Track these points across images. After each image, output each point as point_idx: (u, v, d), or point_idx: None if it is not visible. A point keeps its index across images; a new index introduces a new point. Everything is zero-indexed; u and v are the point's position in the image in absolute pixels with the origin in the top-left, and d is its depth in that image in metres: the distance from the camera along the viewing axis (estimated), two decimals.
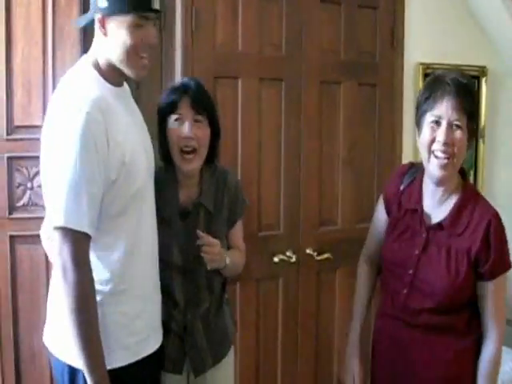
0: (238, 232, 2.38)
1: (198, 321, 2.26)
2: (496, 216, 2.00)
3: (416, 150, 3.49)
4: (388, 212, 2.22)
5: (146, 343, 2.02)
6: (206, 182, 2.25)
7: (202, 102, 2.16)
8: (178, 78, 2.85)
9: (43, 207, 2.43)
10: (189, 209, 2.24)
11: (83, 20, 1.97)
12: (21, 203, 2.58)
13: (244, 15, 3.01)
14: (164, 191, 2.21)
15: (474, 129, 2.03)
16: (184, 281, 2.24)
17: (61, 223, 1.76)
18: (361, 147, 3.38)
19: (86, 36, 2.51)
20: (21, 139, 2.53)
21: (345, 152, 3.34)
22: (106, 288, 1.90)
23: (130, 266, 1.94)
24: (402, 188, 2.17)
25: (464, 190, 2.05)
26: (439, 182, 2.05)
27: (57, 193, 1.78)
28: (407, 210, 2.12)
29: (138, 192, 1.93)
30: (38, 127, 2.44)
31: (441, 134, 1.96)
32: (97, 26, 1.87)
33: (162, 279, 2.19)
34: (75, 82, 1.88)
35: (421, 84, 3.47)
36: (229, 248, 2.34)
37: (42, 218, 2.19)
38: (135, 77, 1.97)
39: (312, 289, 3.27)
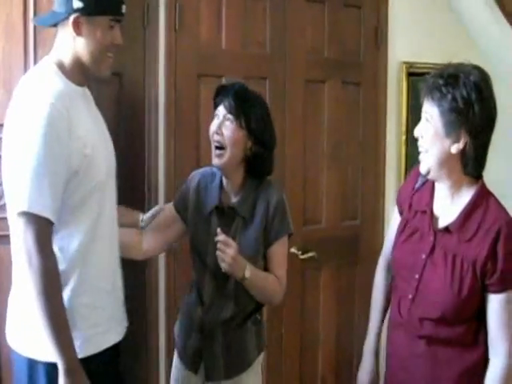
0: (274, 256, 2.29)
1: (218, 327, 2.27)
2: (508, 223, 1.87)
3: (399, 149, 3.52)
4: (401, 213, 2.17)
5: (107, 336, 2.05)
6: (246, 192, 2.27)
7: (235, 103, 2.19)
8: (162, 76, 2.84)
9: None
10: (225, 210, 2.27)
11: (50, 19, 2.00)
12: (2, 202, 2.54)
13: (228, 13, 3.00)
14: (210, 187, 2.32)
15: (459, 124, 1.85)
16: (214, 285, 2.28)
17: (24, 208, 1.80)
18: (345, 145, 3.39)
19: None
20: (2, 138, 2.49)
21: (329, 150, 3.34)
22: (66, 279, 1.93)
23: (89, 258, 1.98)
24: (415, 189, 2.11)
25: (476, 193, 1.93)
26: (429, 177, 1.98)
27: (20, 180, 1.82)
28: (417, 212, 2.05)
29: (98, 185, 1.98)
30: None
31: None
32: (69, 25, 1.92)
33: (197, 275, 2.34)
34: (39, 77, 1.94)
35: (404, 83, 3.49)
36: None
37: None
38: (101, 75, 2.06)
39: (297, 288, 3.26)
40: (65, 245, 1.93)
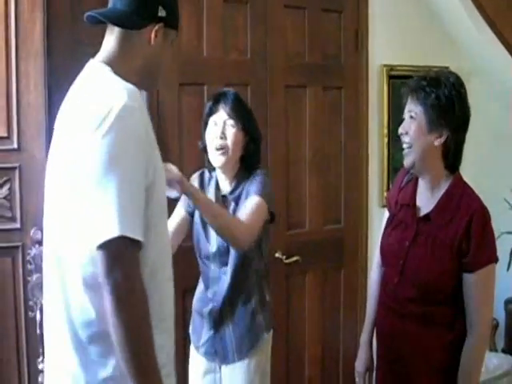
0: (243, 208, 2.34)
1: (225, 308, 2.45)
2: (480, 209, 2.06)
3: (381, 151, 3.55)
4: (389, 210, 2.34)
5: (168, 380, 1.66)
6: (238, 182, 2.46)
7: (235, 108, 2.41)
8: None
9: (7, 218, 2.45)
10: (219, 201, 2.46)
11: (125, 21, 1.68)
12: None
13: (208, 20, 3.02)
14: (208, 188, 2.52)
15: (442, 120, 2.05)
16: (215, 268, 2.47)
17: (115, 232, 1.44)
18: (327, 150, 3.42)
19: (50, 48, 2.50)
20: None
21: (311, 155, 3.37)
22: None
23: (155, 290, 1.61)
24: (401, 187, 2.28)
25: (452, 183, 2.12)
26: (413, 171, 2.17)
27: (103, 197, 1.47)
28: (402, 206, 2.23)
29: (164, 207, 1.71)
30: (2, 138, 2.44)
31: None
32: (144, 32, 1.69)
33: (202, 265, 2.52)
34: (100, 80, 1.65)
35: (385, 86, 3.52)
36: None
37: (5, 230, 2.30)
38: (152, 89, 2.00)
39: (282, 292, 3.29)
40: None
